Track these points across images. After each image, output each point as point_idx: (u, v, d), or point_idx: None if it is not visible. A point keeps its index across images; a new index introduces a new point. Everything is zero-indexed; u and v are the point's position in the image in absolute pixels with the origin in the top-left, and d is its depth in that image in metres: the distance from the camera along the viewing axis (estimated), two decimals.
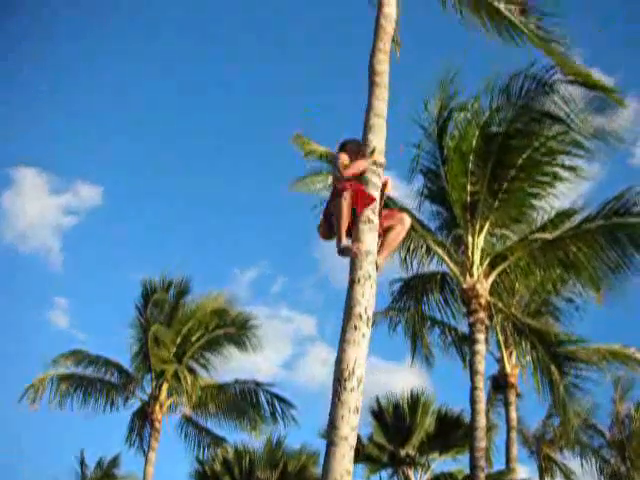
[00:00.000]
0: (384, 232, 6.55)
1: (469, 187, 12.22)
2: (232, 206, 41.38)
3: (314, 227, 11.08)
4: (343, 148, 6.97)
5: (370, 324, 5.88)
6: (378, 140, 6.78)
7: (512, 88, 11.69)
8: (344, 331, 5.77)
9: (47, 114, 38.81)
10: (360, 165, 6.48)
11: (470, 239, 12.19)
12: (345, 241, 6.24)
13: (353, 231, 6.23)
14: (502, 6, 10.02)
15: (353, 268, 6.07)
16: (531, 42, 10.03)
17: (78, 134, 39.36)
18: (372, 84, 7.28)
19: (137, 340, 18.84)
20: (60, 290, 38.23)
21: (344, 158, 6.61)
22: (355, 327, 5.75)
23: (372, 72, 7.44)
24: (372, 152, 6.64)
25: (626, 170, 29.74)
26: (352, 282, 5.99)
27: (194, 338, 19.22)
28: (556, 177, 12.17)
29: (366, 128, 6.92)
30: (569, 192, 12.61)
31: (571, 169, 12.12)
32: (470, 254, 12.09)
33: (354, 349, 5.66)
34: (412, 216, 12.63)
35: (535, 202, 12.52)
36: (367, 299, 5.90)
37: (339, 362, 5.60)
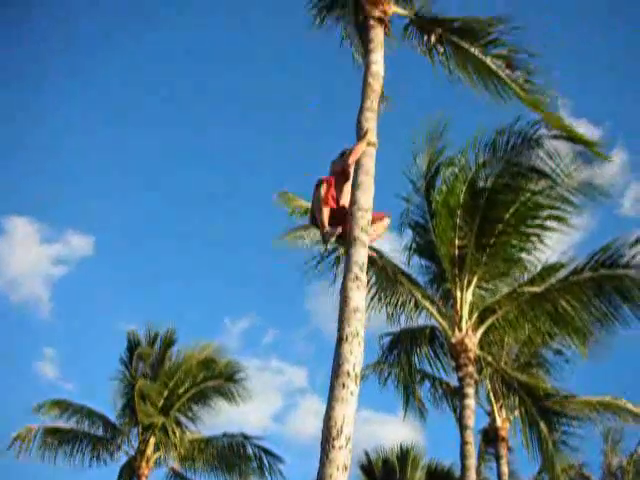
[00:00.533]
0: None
1: (457, 241, 12.30)
2: (225, 256, 41.39)
3: (305, 279, 11.29)
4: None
5: (358, 382, 5.90)
6: (366, 198, 6.88)
7: (498, 143, 11.86)
8: (332, 389, 5.78)
9: (40, 163, 38.96)
10: (359, 149, 7.38)
11: (458, 293, 12.23)
12: (328, 228, 7.04)
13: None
14: (489, 60, 10.20)
15: (341, 325, 6.11)
16: (517, 97, 10.20)
17: (71, 184, 39.49)
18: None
19: (123, 394, 18.67)
20: (48, 340, 37.97)
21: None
22: (343, 385, 5.77)
23: (360, 130, 7.56)
24: (365, 134, 7.51)
25: (615, 220, 30.01)
26: (340, 339, 6.03)
27: (181, 390, 19.03)
28: (544, 230, 12.25)
29: (355, 186, 7.02)
30: (559, 243, 12.71)
31: (559, 222, 12.20)
32: (459, 308, 12.11)
33: (342, 407, 5.66)
34: (400, 271, 12.76)
35: (523, 256, 12.60)
36: (355, 356, 5.93)
37: (327, 420, 5.60)
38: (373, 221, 7.21)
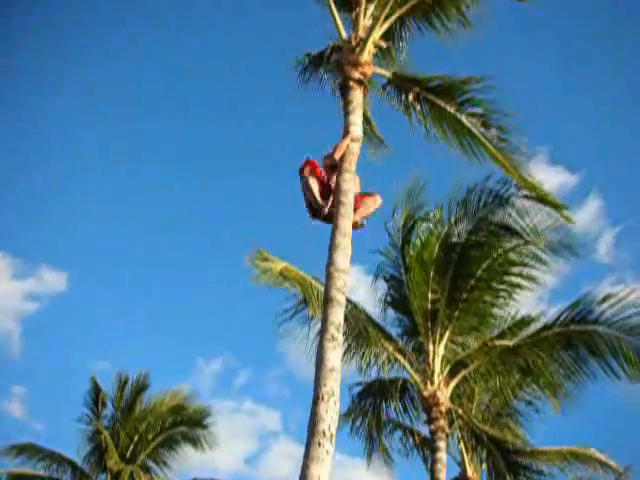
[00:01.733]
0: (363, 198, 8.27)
1: (430, 295, 12.49)
2: (200, 296, 41.18)
3: (279, 320, 11.42)
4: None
5: (333, 441, 6.00)
6: (343, 259, 7.03)
7: (470, 201, 12.16)
8: (308, 447, 5.87)
9: (17, 198, 38.74)
10: (343, 145, 8.20)
11: (431, 347, 12.38)
12: (322, 202, 7.99)
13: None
14: (464, 118, 10.48)
15: (317, 384, 6.21)
16: (490, 155, 10.48)
17: (45, 219, 39.26)
18: (338, 203, 7.56)
19: (91, 439, 18.51)
20: (18, 378, 37.28)
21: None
22: (319, 444, 5.86)
23: (339, 191, 7.73)
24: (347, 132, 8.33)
25: (590, 266, 30.44)
26: (316, 398, 6.13)
27: (150, 436, 18.93)
28: (514, 287, 12.49)
29: (332, 247, 7.18)
30: (533, 290, 12.89)
31: (529, 280, 12.44)
32: (431, 362, 12.26)
33: (318, 466, 5.75)
34: (374, 323, 12.90)
35: (494, 311, 12.80)
36: (331, 416, 6.03)
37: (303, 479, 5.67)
38: (364, 198, 8.24)
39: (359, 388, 13.85)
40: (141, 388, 19.21)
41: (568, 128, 31.94)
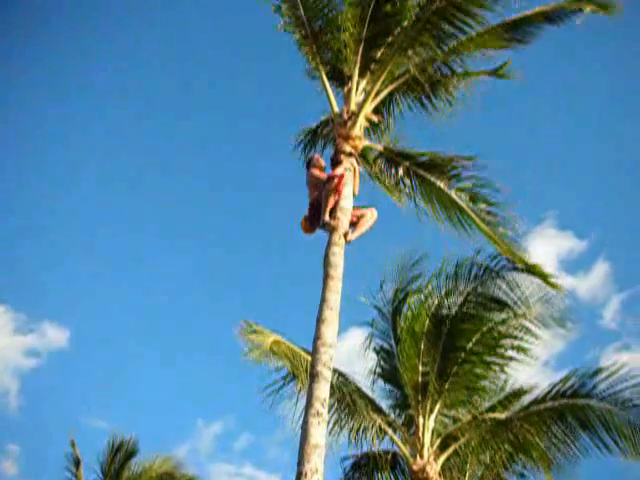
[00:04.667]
0: (358, 218, 8.71)
1: (420, 368, 12.43)
2: (200, 358, 40.89)
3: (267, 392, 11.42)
4: (310, 164, 9.40)
5: None
6: (330, 333, 7.04)
7: (462, 274, 12.20)
8: None
9: (21, 252, 38.78)
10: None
11: (421, 420, 12.25)
12: (327, 218, 8.35)
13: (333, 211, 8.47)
14: (453, 193, 10.64)
15: (301, 461, 6.16)
16: (479, 229, 10.60)
17: (51, 274, 39.24)
18: (326, 277, 7.61)
19: None
20: (13, 435, 36.64)
21: (316, 170, 9.18)
22: None
23: (327, 264, 7.79)
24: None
25: (597, 331, 30.50)
26: (299, 475, 6.08)
27: None
28: (506, 359, 12.46)
29: (319, 320, 7.19)
30: (526, 362, 12.83)
31: (522, 350, 12.41)
32: (421, 435, 12.12)
33: None
34: (364, 395, 12.81)
35: (486, 383, 12.72)
36: None
37: None
38: (360, 216, 8.72)
39: (350, 462, 13.68)
40: (130, 454, 18.91)
41: (576, 193, 32.41)
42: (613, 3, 10.02)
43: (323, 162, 9.42)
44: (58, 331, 41.07)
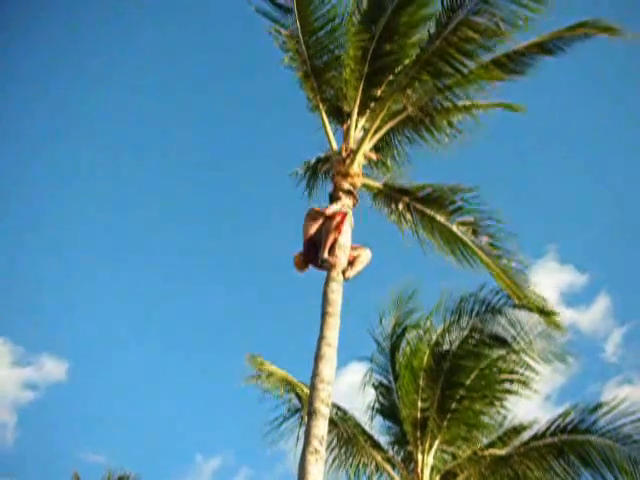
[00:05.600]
0: (354, 258, 8.73)
1: (420, 404, 12.40)
2: (200, 392, 40.64)
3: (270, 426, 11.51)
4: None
5: None
6: (328, 370, 7.05)
7: (462, 310, 12.24)
8: None
9: (20, 285, 38.71)
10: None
11: (420, 456, 12.21)
12: (326, 254, 8.41)
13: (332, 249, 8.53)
14: (454, 227, 10.65)
15: None
16: (482, 263, 10.60)
17: (49, 306, 39.15)
18: (325, 314, 7.63)
19: None
20: (10, 469, 36.25)
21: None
22: None
23: (325, 301, 7.82)
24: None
25: (598, 365, 30.50)
26: None
27: None
28: (506, 394, 12.42)
29: (317, 357, 7.21)
30: (527, 397, 12.79)
31: (522, 385, 12.37)
32: (419, 472, 12.07)
33: None
34: (362, 431, 12.78)
35: (485, 419, 12.67)
36: None
37: None
38: (356, 256, 8.74)
39: None
40: None
41: (578, 227, 32.56)
42: (617, 25, 9.49)
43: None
44: (56, 364, 40.94)
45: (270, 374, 12.43)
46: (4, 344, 39.57)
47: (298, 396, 12.25)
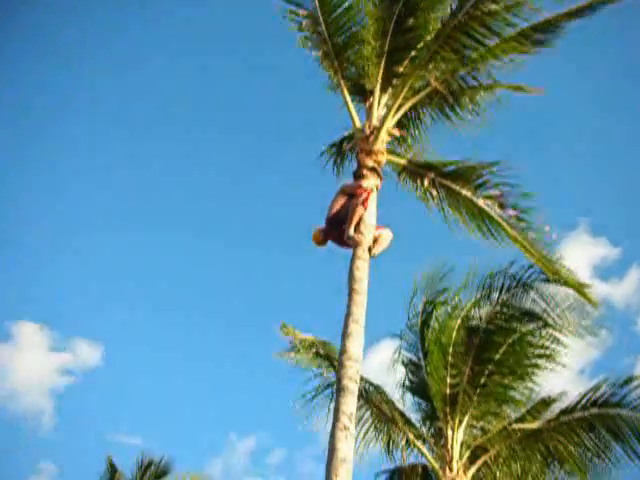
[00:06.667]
0: (376, 238, 8.67)
1: (449, 380, 12.39)
2: (235, 372, 40.92)
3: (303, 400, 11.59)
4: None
5: None
6: (356, 347, 7.07)
7: (493, 285, 12.23)
8: None
9: (53, 270, 39.13)
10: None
11: (450, 432, 12.22)
12: (352, 232, 8.43)
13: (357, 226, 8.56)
14: (481, 202, 10.57)
15: (329, 476, 6.20)
16: (509, 237, 10.52)
17: (85, 292, 39.55)
18: (351, 291, 7.65)
19: None
20: (48, 455, 36.78)
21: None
22: None
23: (351, 278, 7.84)
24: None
25: (631, 338, 30.31)
26: None
27: None
28: (536, 369, 12.39)
29: (344, 334, 7.24)
30: (578, 358, 12.76)
31: (552, 360, 12.32)
32: (450, 448, 12.09)
33: None
34: (393, 406, 12.82)
35: (515, 394, 12.65)
36: None
37: None
38: (378, 235, 8.69)
39: (384, 477, 13.66)
40: (162, 473, 18.98)
41: (611, 199, 32.24)
42: None
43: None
44: (92, 349, 41.38)
45: (303, 342, 12.50)
46: (40, 330, 40.08)
47: (332, 365, 12.29)
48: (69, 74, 31.83)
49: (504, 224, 10.47)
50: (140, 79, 35.06)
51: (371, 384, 12.96)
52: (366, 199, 8.61)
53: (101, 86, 34.11)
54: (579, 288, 10.79)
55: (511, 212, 10.46)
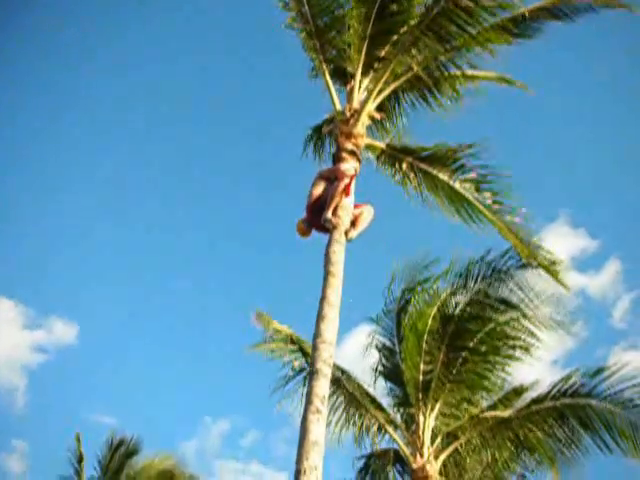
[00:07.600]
0: (356, 217, 8.64)
1: (422, 366, 12.41)
2: (210, 354, 40.89)
3: (282, 381, 11.56)
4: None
5: None
6: (330, 331, 7.04)
7: (469, 273, 12.26)
8: None
9: (30, 245, 38.79)
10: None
11: (421, 418, 12.25)
12: (329, 214, 8.28)
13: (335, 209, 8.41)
14: (458, 185, 10.63)
15: (300, 458, 6.16)
16: (487, 220, 10.56)
17: (60, 269, 39.25)
18: (327, 274, 7.61)
19: None
20: (20, 432, 36.52)
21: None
22: None
23: (327, 262, 7.79)
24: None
25: (605, 330, 30.61)
26: (298, 473, 6.07)
27: None
28: (509, 359, 12.45)
29: (318, 317, 7.20)
30: (553, 349, 12.83)
31: (525, 351, 12.38)
32: (421, 434, 12.13)
33: None
34: (365, 392, 12.83)
35: (487, 383, 12.70)
36: None
37: None
38: (358, 214, 8.65)
39: (362, 462, 13.67)
40: (130, 453, 18.90)
41: (590, 191, 32.41)
42: None
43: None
44: (67, 327, 41.07)
45: (277, 332, 12.48)
46: (15, 307, 39.71)
47: (304, 354, 12.28)
48: (69, 74, 31.56)
49: (482, 208, 10.53)
50: (140, 79, 34.85)
51: (343, 370, 12.95)
52: (348, 185, 8.52)
53: (101, 86, 33.84)
54: (553, 269, 10.82)
55: (487, 195, 10.51)
